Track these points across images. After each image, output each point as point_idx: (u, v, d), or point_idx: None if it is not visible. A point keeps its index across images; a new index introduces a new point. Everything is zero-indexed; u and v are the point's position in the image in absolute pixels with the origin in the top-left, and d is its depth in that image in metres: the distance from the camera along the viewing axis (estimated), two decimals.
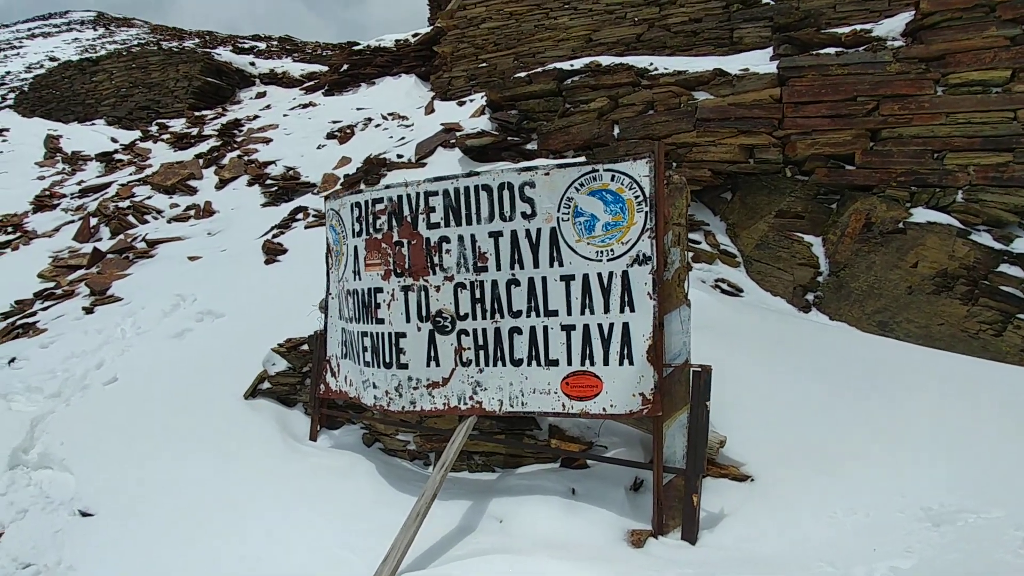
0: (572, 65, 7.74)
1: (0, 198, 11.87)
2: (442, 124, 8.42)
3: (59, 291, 6.90)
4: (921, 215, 5.65)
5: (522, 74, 8.02)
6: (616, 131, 7.25)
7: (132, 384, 4.61)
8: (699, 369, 3.23)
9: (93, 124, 15.91)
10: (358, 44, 14.57)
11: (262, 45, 36.33)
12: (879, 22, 6.52)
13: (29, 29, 48.17)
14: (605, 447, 3.75)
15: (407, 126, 10.48)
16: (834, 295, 5.99)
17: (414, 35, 13.48)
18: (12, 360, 5.00)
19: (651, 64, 7.34)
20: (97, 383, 4.60)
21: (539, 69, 8.00)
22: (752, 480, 3.47)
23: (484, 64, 11.20)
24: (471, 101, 10.57)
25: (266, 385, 4.74)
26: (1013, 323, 5.07)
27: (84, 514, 3.58)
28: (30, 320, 6.13)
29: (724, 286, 6.09)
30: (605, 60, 7.60)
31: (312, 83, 14.95)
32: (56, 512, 3.63)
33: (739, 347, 4.33)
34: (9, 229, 9.70)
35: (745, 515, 3.23)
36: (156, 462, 3.92)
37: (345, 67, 13.73)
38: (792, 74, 6.31)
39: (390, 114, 11.22)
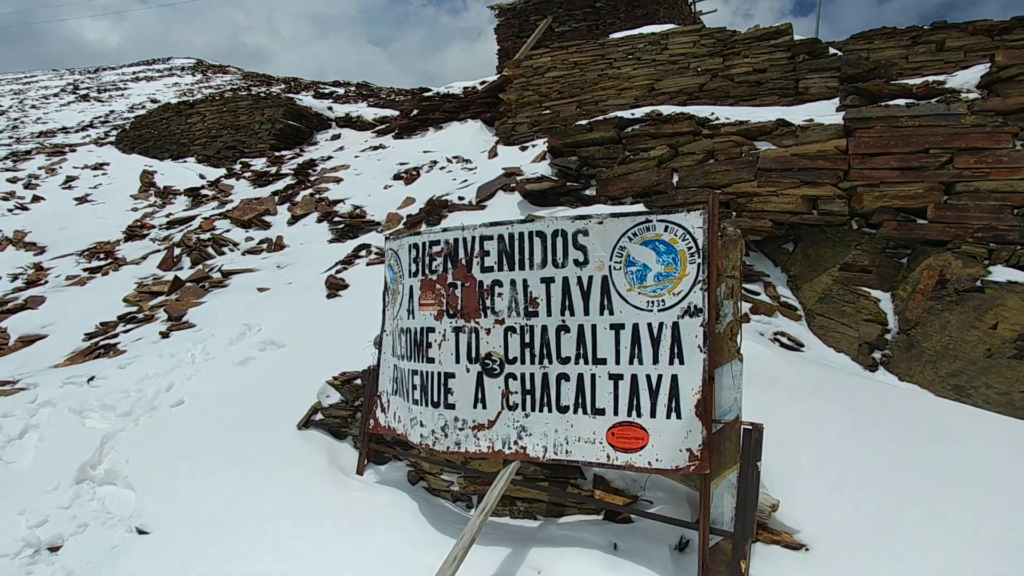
0: (633, 114, 7.84)
1: (96, 226, 12.96)
2: (503, 168, 8.65)
3: (141, 315, 7.40)
4: (1001, 273, 5.32)
5: (583, 122, 8.18)
6: (675, 179, 7.24)
7: (196, 408, 4.86)
8: (750, 427, 3.11)
9: (185, 162, 17.23)
10: (429, 91, 15.29)
11: (340, 91, 38.70)
12: (953, 74, 6.32)
13: (134, 72, 53.19)
14: (651, 502, 3.64)
15: (470, 169, 10.82)
16: (904, 354, 5.66)
17: (481, 83, 14.03)
18: (91, 378, 5.37)
19: (712, 113, 7.35)
20: (165, 404, 4.88)
21: (600, 117, 8.14)
22: (807, 549, 3.27)
23: (547, 111, 11.48)
24: (533, 147, 10.82)
25: (319, 416, 4.89)
26: None
27: (141, 531, 3.76)
28: (112, 341, 6.59)
29: (784, 340, 5.87)
30: (666, 109, 7.67)
31: (383, 126, 15.72)
32: (115, 528, 3.82)
33: (797, 404, 4.15)
34: (102, 256, 10.54)
35: None
36: (211, 485, 4.08)
37: (415, 112, 14.38)
38: (859, 125, 6.17)
39: (455, 157, 11.62)
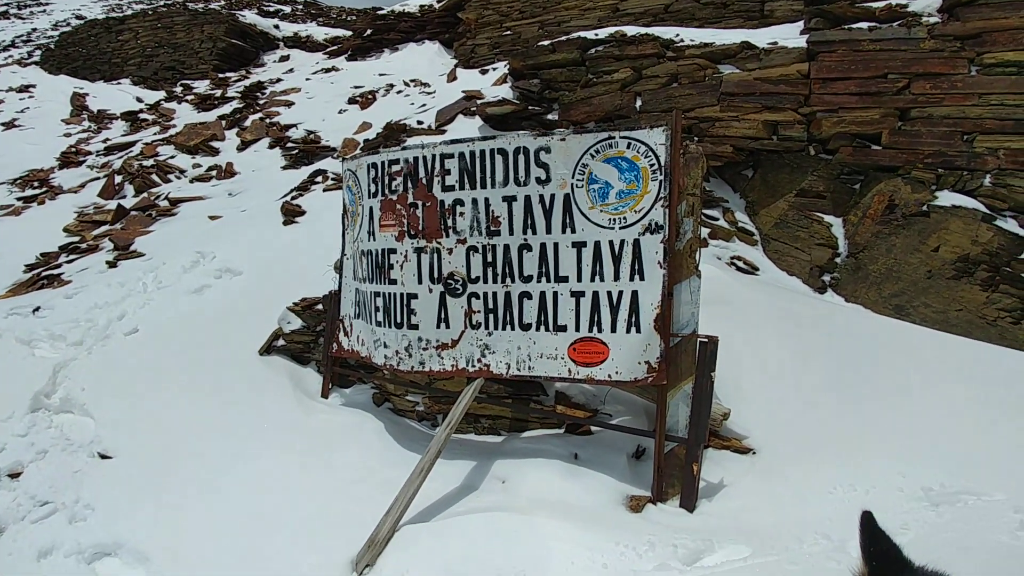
0: (597, 34, 7.59)
1: (27, 153, 12.09)
2: (463, 92, 8.36)
3: (84, 245, 7.06)
4: (946, 198, 5.52)
5: (545, 43, 7.90)
6: (638, 103, 7.15)
7: (152, 336, 4.74)
8: (706, 340, 3.23)
9: (119, 83, 16.04)
10: (382, 9, 14.44)
11: (287, 8, 36.13)
12: None
13: None
14: (610, 415, 3.79)
15: (429, 93, 10.42)
16: (851, 276, 5.91)
17: (439, 0, 13.30)
18: (36, 309, 5.16)
19: (677, 35, 7.18)
20: (119, 333, 4.74)
21: (563, 38, 7.86)
22: (754, 453, 3.49)
23: (508, 32, 11.03)
24: (494, 69, 10.44)
25: (281, 342, 4.84)
26: None
27: (103, 456, 3.73)
28: (55, 272, 6.30)
29: (740, 264, 6.03)
30: (630, 30, 7.45)
31: (335, 48, 14.87)
32: (75, 454, 3.78)
33: (749, 323, 4.32)
34: (35, 184, 9.90)
35: (744, 487, 3.26)
36: (173, 411, 4.05)
37: (369, 32, 13.62)
38: (822, 48, 6.14)
39: (412, 81, 11.15)
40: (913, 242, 5.60)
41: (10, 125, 13.46)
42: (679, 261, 3.29)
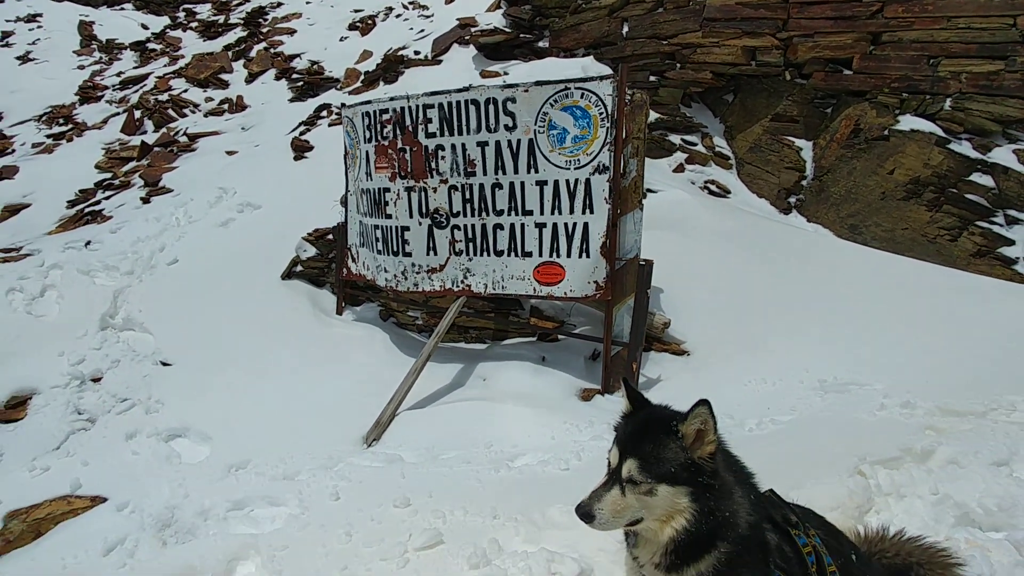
0: None
1: (46, 87, 12.58)
2: (458, 20, 8.58)
3: (116, 182, 7.76)
4: (907, 122, 5.90)
5: None
6: (625, 29, 7.40)
7: (190, 265, 5.53)
8: (644, 263, 3.90)
9: (122, 8, 16.12)
10: None
11: None
12: None
13: None
14: (573, 325, 4.54)
15: (427, 17, 10.55)
16: (814, 198, 6.41)
17: None
18: (88, 243, 5.94)
19: None
20: (162, 263, 5.53)
21: None
22: (689, 355, 4.24)
23: None
24: None
25: (299, 268, 5.61)
26: (969, 230, 5.50)
27: (164, 364, 4.61)
28: (96, 208, 7.05)
29: (713, 187, 6.55)
30: None
31: None
32: (142, 362, 4.66)
33: (703, 245, 4.95)
34: (61, 120, 10.49)
35: (676, 381, 4.03)
36: (215, 327, 4.88)
37: None
38: None
39: (411, 2, 11.23)
40: (872, 165, 6.05)
41: (25, 59, 13.83)
42: (625, 196, 3.90)
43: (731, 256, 4.86)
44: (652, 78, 7.09)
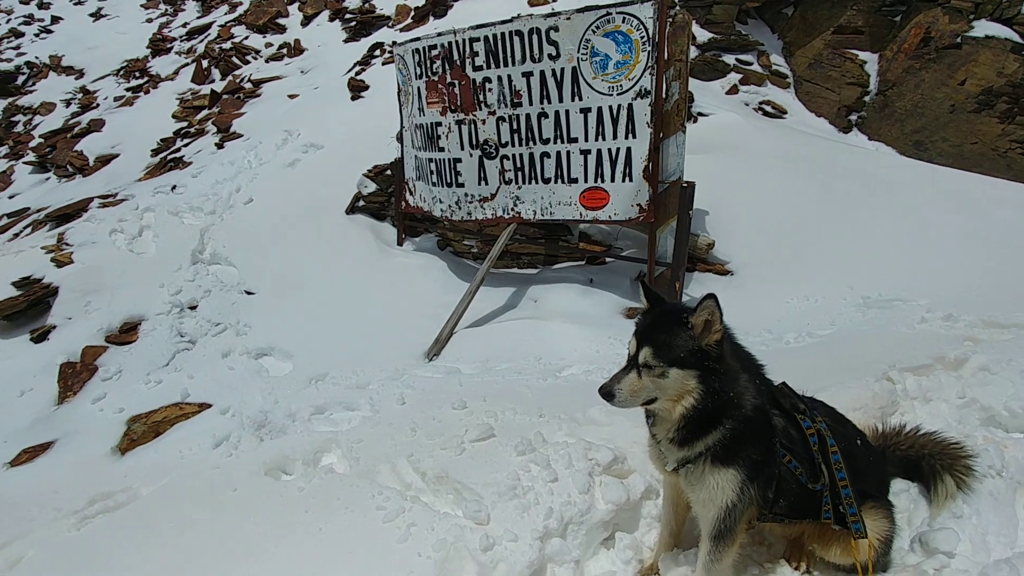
0: None
1: (119, 42, 13.26)
2: None
3: (192, 130, 8.31)
4: (982, 28, 5.52)
5: None
6: None
7: (264, 203, 5.99)
8: (685, 185, 3.99)
9: None
10: None
11: None
12: None
13: None
14: (620, 248, 4.72)
15: None
16: (877, 115, 6.15)
17: None
18: (174, 187, 6.50)
19: None
20: (239, 203, 6.02)
21: None
22: (732, 275, 4.36)
23: None
24: None
25: (361, 203, 5.98)
26: None
27: (248, 292, 5.13)
28: (177, 155, 7.62)
29: (768, 108, 6.39)
30: None
31: None
32: (229, 292, 5.20)
33: (752, 167, 4.94)
34: (137, 74, 11.13)
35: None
36: (290, 258, 5.36)
37: None
38: None
39: None
40: (942, 76, 5.73)
41: (98, 15, 14.54)
42: (668, 120, 3.95)
43: (780, 177, 4.84)
44: None
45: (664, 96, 3.86)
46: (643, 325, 1.87)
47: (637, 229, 4.52)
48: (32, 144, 10.27)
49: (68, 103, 11.09)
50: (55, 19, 14.50)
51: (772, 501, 1.89)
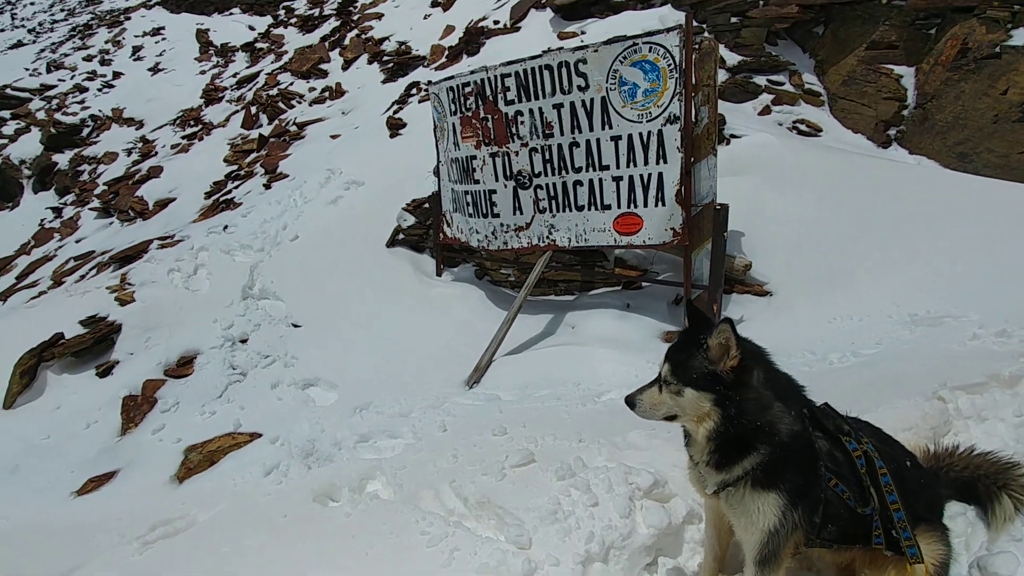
0: None
1: (175, 93, 14.13)
2: None
3: (242, 172, 8.75)
4: (1020, 37, 5.40)
5: None
6: None
7: (308, 239, 6.25)
8: (719, 207, 4.00)
9: (230, 13, 17.54)
10: None
11: None
12: None
13: None
14: (656, 273, 4.73)
15: None
16: (917, 128, 6.03)
17: None
18: (226, 227, 6.85)
19: None
20: (286, 240, 6.30)
21: None
22: (771, 295, 4.31)
23: None
24: None
25: (401, 236, 6.17)
26: None
27: (295, 325, 5.33)
28: (228, 196, 8.03)
29: (802, 127, 6.34)
30: None
31: None
32: (278, 325, 5.41)
33: (787, 186, 4.90)
34: (191, 123, 11.82)
35: (758, 321, 4.13)
36: (333, 291, 5.56)
37: None
38: None
39: None
40: (982, 87, 5.60)
41: (156, 70, 15.56)
42: (698, 144, 4.00)
43: (818, 195, 4.78)
44: (733, 19, 6.88)
45: (694, 121, 3.91)
46: (673, 343, 1.91)
47: (672, 252, 4.54)
48: (96, 191, 10.99)
49: (129, 152, 11.85)
50: (116, 74, 15.57)
51: (819, 526, 1.86)
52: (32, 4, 38.67)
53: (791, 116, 6.44)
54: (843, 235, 4.48)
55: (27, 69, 17.97)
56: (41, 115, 14.75)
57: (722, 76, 6.45)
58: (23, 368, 4.88)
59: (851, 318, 3.96)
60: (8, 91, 16.31)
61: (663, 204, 4.03)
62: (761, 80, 6.61)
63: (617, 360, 3.97)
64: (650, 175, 4.07)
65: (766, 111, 6.42)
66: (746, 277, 4.38)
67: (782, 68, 6.78)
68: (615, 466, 2.75)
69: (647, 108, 3.98)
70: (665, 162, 3.98)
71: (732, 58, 6.70)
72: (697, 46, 3.90)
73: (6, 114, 15.67)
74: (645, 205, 4.12)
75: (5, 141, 14.71)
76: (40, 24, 32.26)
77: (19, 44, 25.82)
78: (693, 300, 4.17)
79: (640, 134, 4.04)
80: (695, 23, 6.78)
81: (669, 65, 3.83)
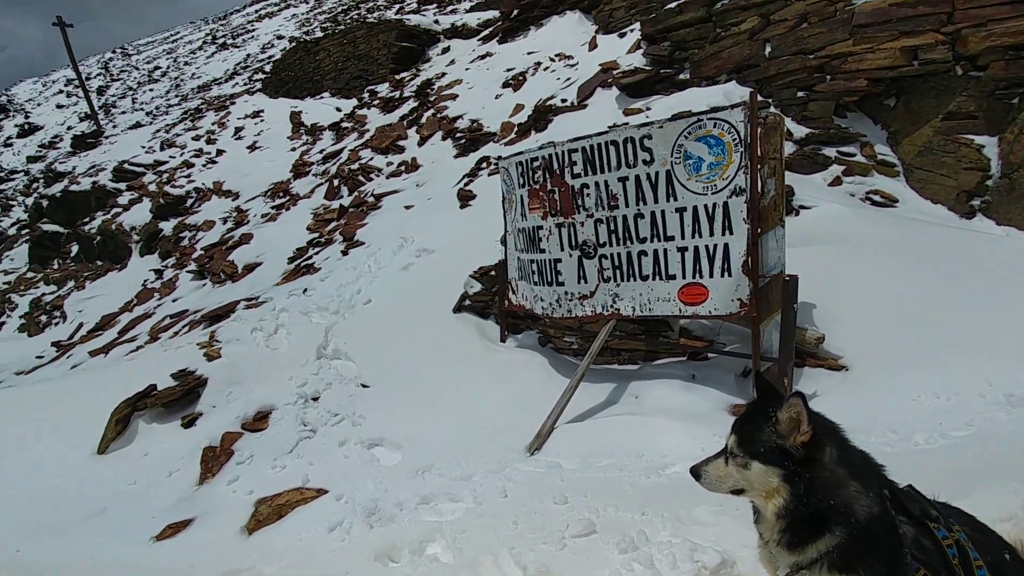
0: None
1: (268, 169, 15.43)
2: (600, 65, 9.13)
3: (323, 240, 9.36)
4: None
5: (672, 5, 8.34)
6: (767, 50, 7.37)
7: (380, 304, 6.55)
8: (788, 279, 3.94)
9: (321, 97, 19.21)
10: None
11: None
12: None
13: (256, 11, 56.94)
14: (723, 344, 4.65)
15: (572, 66, 11.29)
16: (1004, 198, 5.77)
17: None
18: (305, 290, 7.30)
19: None
20: (359, 303, 6.63)
21: None
22: (847, 370, 4.12)
23: None
24: (631, 31, 10.93)
25: (467, 302, 6.36)
26: None
27: (364, 386, 5.53)
28: (309, 262, 8.58)
29: (876, 197, 6.20)
30: None
31: (488, 31, 16.24)
32: (348, 385, 5.63)
33: (861, 257, 4.77)
34: (280, 194, 12.83)
35: (832, 396, 3.95)
36: (401, 354, 5.75)
37: (515, 13, 14.71)
38: None
39: (556, 55, 12.07)
40: None
41: (253, 148, 17.11)
42: (765, 215, 4.01)
43: (896, 266, 4.62)
44: (800, 93, 6.95)
45: (760, 193, 3.94)
46: (740, 414, 1.89)
47: (740, 324, 4.46)
48: (194, 255, 12.00)
49: (225, 220, 12.95)
50: (219, 152, 17.23)
51: None
52: (151, 90, 43.84)
53: (864, 187, 6.32)
54: (926, 308, 4.28)
55: (143, 147, 20.19)
56: (152, 187, 16.44)
57: (789, 148, 6.47)
58: (119, 416, 5.26)
59: (938, 396, 3.73)
60: (126, 166, 18.34)
61: (729, 275, 4.01)
62: (830, 151, 6.57)
63: (682, 432, 3.87)
64: (716, 246, 4.08)
65: (837, 182, 6.34)
66: (819, 350, 4.23)
67: (852, 140, 6.72)
68: (680, 542, 2.66)
69: (712, 181, 4.05)
70: (731, 233, 3.99)
71: (799, 130, 6.72)
72: (763, 120, 3.98)
73: (123, 186, 17.56)
74: (711, 275, 4.11)
75: (120, 210, 16.41)
76: (157, 108, 36.42)
77: (137, 125, 29.17)
78: (763, 373, 4.05)
79: (705, 206, 4.09)
80: (760, 97, 6.90)
81: (734, 139, 3.91)
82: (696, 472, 1.82)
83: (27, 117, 46.74)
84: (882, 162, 6.59)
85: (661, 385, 4.53)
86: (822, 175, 6.42)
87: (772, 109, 6.90)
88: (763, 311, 3.99)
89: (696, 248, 4.19)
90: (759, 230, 3.95)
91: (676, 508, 2.95)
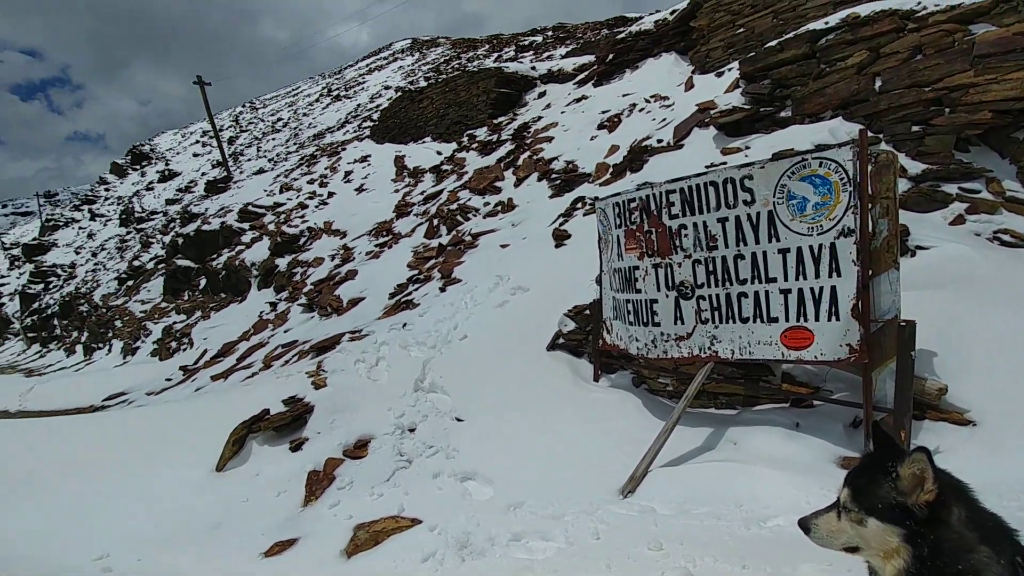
0: (827, 23, 7.67)
1: (373, 209, 16.45)
2: (696, 105, 9.10)
3: (422, 276, 9.83)
4: None
5: (773, 43, 8.22)
6: (877, 84, 7.05)
7: (476, 340, 6.77)
8: (904, 324, 3.69)
9: (423, 142, 20.37)
10: (622, 30, 15.68)
11: (539, 38, 40.16)
12: None
13: (367, 64, 61.66)
14: (830, 391, 4.39)
15: (667, 106, 11.31)
16: None
17: (672, 12, 14.02)
18: (404, 324, 7.67)
19: (919, 3, 6.89)
20: (455, 339, 6.88)
21: (791, 34, 8.08)
22: (974, 425, 3.76)
23: (741, 30, 11.27)
24: (729, 70, 10.84)
25: (561, 340, 6.42)
26: None
27: (458, 419, 5.70)
28: (409, 298, 9.03)
29: (1006, 237, 5.67)
30: (864, 9, 7.37)
31: (583, 75, 16.64)
32: (443, 418, 5.82)
33: (989, 302, 4.38)
34: (384, 233, 13.64)
35: (958, 453, 3.61)
36: (494, 390, 5.88)
37: (610, 57, 15.02)
38: None
39: (652, 96, 12.16)
40: None
41: (360, 189, 18.35)
42: (877, 257, 3.81)
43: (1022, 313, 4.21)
44: (915, 128, 6.57)
45: (871, 233, 3.77)
46: (854, 467, 1.82)
47: (849, 371, 4.21)
48: (305, 290, 12.94)
49: (333, 257, 13.91)
50: (330, 194, 18.63)
51: None
52: (273, 139, 48.28)
53: (991, 225, 5.81)
54: None
55: (265, 190, 22.23)
56: (271, 227, 18.00)
57: (904, 185, 6.11)
58: (235, 437, 5.73)
59: None
60: (250, 207, 20.23)
61: (837, 319, 3.83)
62: (951, 188, 6.12)
63: (785, 483, 3.68)
64: (822, 288, 3.92)
65: (959, 220, 5.88)
66: (941, 402, 3.89)
67: (976, 175, 6.23)
68: None
69: (818, 221, 3.92)
70: (839, 275, 3.82)
71: (914, 167, 6.33)
72: (874, 159, 3.83)
73: (246, 226, 19.36)
74: (816, 319, 3.94)
75: (243, 247, 18.07)
76: (278, 155, 40.01)
77: (261, 171, 32.13)
78: (877, 424, 3.79)
79: (811, 247, 3.96)
80: (871, 134, 6.59)
81: (842, 179, 3.79)
82: (805, 525, 1.75)
83: (167, 164, 53.03)
84: (1011, 199, 6.05)
85: (762, 432, 4.33)
86: (941, 213, 5.98)
87: (884, 146, 6.57)
88: (876, 358, 3.76)
89: (800, 290, 4.04)
90: (870, 272, 3.76)
91: (779, 563, 2.80)
